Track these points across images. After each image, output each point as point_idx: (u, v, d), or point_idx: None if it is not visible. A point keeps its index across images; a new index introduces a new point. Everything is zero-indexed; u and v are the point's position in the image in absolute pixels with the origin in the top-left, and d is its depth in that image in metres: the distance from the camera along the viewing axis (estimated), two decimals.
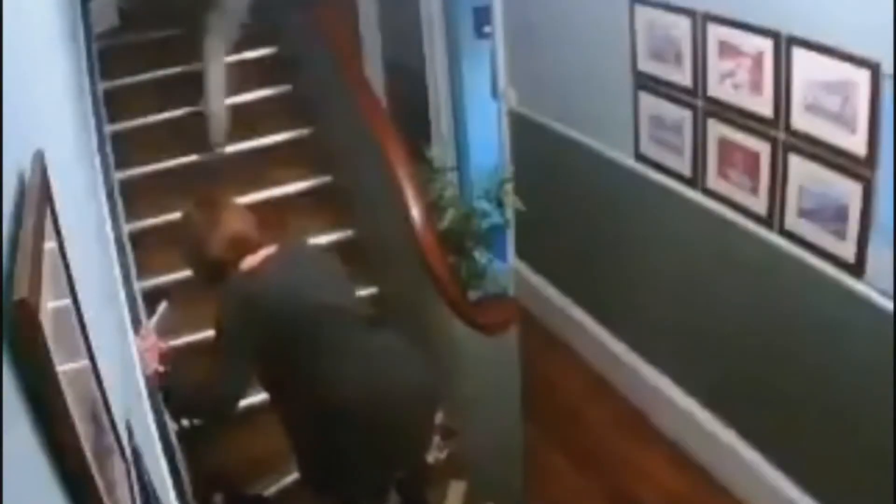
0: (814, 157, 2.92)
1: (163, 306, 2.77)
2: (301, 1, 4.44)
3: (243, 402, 2.71)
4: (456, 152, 5.54)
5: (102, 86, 3.95)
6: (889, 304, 2.76)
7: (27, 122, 1.16)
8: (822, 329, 3.06)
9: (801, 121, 2.93)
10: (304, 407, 2.69)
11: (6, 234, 0.87)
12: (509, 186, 4.59)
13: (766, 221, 3.20)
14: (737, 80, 3.17)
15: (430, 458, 3.14)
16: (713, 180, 3.43)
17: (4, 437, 0.71)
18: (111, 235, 2.74)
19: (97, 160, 2.93)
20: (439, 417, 2.97)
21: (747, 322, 3.42)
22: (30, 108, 1.23)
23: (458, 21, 5.37)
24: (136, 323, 2.67)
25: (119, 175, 3.74)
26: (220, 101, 4.17)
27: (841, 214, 2.86)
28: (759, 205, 3.21)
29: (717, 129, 3.35)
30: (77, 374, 1.03)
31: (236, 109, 4.30)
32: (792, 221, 3.08)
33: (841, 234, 2.88)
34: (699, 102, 3.40)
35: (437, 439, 3.09)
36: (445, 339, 3.60)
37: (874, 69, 2.61)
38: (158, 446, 2.21)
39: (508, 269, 4.98)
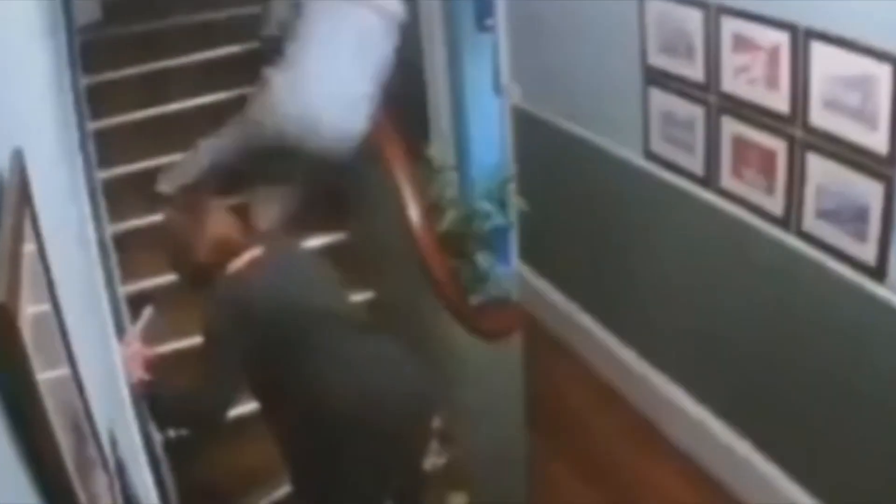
0: (833, 156, 2.92)
1: (148, 311, 2.78)
2: None
3: (232, 412, 2.72)
4: (456, 151, 5.53)
5: (85, 81, 3.95)
6: None
7: (5, 120, 1.16)
8: (842, 335, 3.06)
9: (820, 117, 2.93)
10: (295, 415, 2.70)
11: None
12: (512, 186, 4.60)
13: (783, 223, 3.20)
14: (752, 74, 3.17)
15: (428, 464, 3.15)
16: (727, 180, 3.43)
17: None
18: (94, 237, 2.74)
19: (79, 159, 2.93)
20: (437, 423, 2.98)
21: (763, 328, 3.42)
22: (8, 104, 1.23)
23: (458, 13, 5.37)
24: (120, 329, 2.68)
25: (102, 174, 3.75)
26: None
27: (861, 215, 2.86)
28: (776, 205, 3.21)
29: (731, 127, 3.35)
30: (58, 382, 1.04)
31: (224, 106, 4.30)
32: (810, 223, 3.08)
33: (861, 236, 2.88)
34: (712, 98, 3.40)
35: (434, 445, 3.10)
36: (446, 345, 3.60)
37: None
38: (143, 458, 2.21)
39: (512, 272, 4.98)
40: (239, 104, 4.13)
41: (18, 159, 1.08)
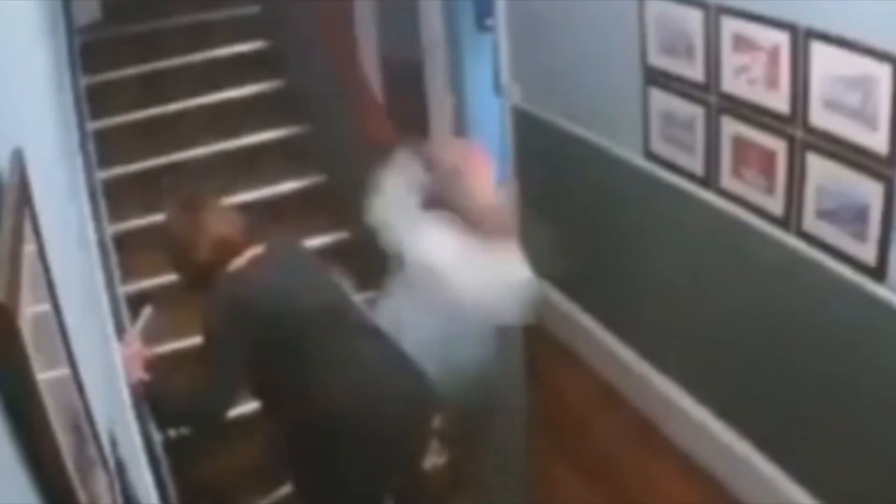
0: (833, 156, 2.92)
1: (147, 311, 2.78)
2: None
3: (232, 412, 2.72)
4: None
5: (84, 81, 3.96)
6: None
7: (5, 120, 1.16)
8: (842, 335, 3.06)
9: (820, 118, 2.93)
10: (295, 415, 2.70)
11: None
12: (512, 186, 4.60)
13: (783, 223, 3.19)
14: (752, 74, 3.17)
15: (428, 464, 3.14)
16: (727, 180, 3.43)
17: None
18: (93, 238, 2.74)
19: (79, 159, 2.93)
20: (437, 422, 2.98)
21: (763, 328, 3.41)
22: (7, 104, 1.23)
23: (458, 13, 5.38)
24: (120, 329, 2.68)
25: (102, 174, 3.75)
26: None
27: (861, 215, 2.86)
28: (776, 205, 3.21)
29: (731, 127, 3.34)
30: (58, 382, 1.04)
31: (226, 105, 4.31)
32: (810, 223, 3.08)
33: (861, 236, 2.88)
34: (712, 98, 3.40)
35: (435, 444, 3.10)
36: None
37: None
38: (143, 458, 2.21)
39: None
40: (239, 104, 4.14)
41: (18, 159, 1.08)
